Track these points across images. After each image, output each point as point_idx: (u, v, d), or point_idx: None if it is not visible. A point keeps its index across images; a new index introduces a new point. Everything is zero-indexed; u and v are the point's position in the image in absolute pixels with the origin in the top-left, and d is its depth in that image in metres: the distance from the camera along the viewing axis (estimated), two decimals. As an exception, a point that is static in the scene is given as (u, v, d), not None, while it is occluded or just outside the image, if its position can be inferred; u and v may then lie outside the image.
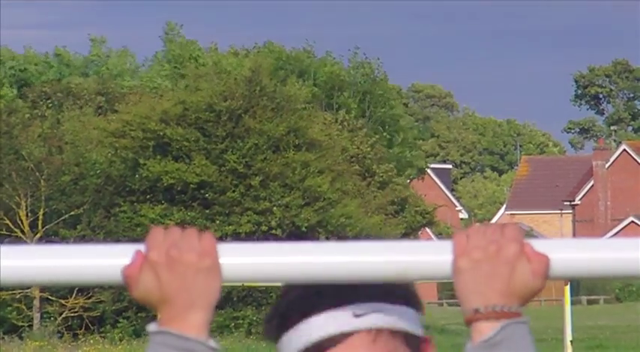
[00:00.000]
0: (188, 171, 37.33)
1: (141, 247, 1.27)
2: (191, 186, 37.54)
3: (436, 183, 77.53)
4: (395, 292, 1.35)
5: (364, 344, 1.30)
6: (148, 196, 38.70)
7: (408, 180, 53.83)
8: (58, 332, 36.55)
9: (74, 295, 36.59)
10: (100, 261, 1.29)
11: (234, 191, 38.02)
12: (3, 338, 35.78)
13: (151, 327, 1.26)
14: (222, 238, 28.41)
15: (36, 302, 37.21)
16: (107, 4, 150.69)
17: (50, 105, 43.89)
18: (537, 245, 1.26)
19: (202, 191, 38.12)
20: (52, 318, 37.48)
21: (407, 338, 1.33)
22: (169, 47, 54.79)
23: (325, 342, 1.30)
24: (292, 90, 43.57)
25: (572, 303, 22.53)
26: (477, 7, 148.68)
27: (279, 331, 1.35)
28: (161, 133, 37.48)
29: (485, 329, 1.23)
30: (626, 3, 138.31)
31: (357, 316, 1.32)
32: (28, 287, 31.91)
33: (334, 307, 1.32)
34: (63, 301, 37.04)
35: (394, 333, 1.32)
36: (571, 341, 20.17)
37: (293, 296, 1.37)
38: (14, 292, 35.51)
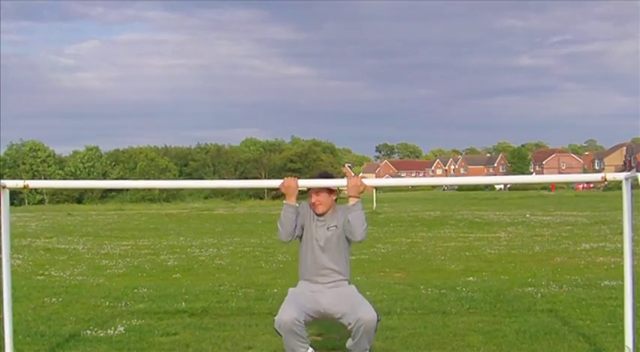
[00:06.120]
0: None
1: (280, 181, 6.35)
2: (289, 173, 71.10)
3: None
4: (331, 176, 6.64)
5: (321, 191, 6.60)
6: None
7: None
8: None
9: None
10: (269, 183, 6.95)
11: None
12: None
13: (284, 202, 6.48)
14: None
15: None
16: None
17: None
18: (366, 181, 6.27)
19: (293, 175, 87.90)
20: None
21: (330, 190, 6.67)
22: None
23: (311, 190, 6.59)
24: (317, 155, 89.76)
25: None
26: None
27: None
28: (280, 162, 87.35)
29: (352, 201, 6.49)
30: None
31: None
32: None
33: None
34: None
35: (328, 189, 6.67)
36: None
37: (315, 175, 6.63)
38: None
